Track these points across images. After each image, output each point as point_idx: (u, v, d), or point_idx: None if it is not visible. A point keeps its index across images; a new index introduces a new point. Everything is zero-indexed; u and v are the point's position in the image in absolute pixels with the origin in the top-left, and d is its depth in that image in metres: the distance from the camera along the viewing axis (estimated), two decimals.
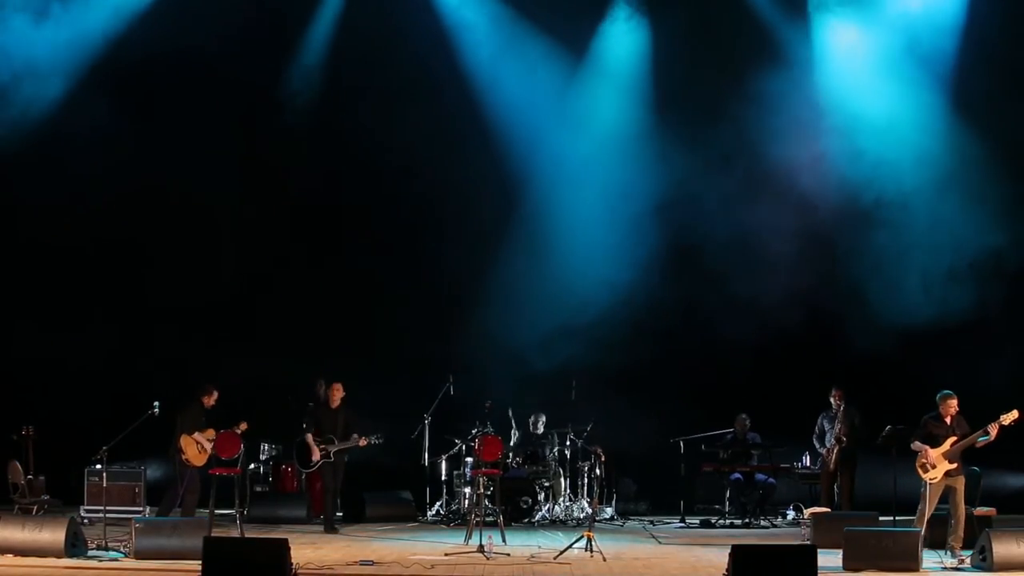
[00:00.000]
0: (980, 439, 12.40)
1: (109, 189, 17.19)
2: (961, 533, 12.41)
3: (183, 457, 14.10)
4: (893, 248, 17.25)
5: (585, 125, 18.04)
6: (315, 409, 15.41)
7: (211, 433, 14.18)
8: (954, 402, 12.64)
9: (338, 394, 15.11)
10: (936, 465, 12.49)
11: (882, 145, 17.31)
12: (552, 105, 17.92)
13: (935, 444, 12.55)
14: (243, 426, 14.23)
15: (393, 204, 17.74)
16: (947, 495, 12.57)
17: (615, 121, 18.03)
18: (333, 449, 14.93)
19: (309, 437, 14.99)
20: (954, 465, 12.49)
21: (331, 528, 14.74)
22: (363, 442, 15.08)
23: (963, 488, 12.58)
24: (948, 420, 12.62)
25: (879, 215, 17.38)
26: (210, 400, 14.39)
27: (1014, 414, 12.20)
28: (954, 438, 12.50)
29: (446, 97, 17.74)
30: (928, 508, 12.43)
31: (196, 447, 14.13)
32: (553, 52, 17.95)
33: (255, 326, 17.51)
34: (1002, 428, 12.26)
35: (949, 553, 12.26)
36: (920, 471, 12.59)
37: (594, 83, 18.19)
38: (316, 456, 14.94)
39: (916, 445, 12.64)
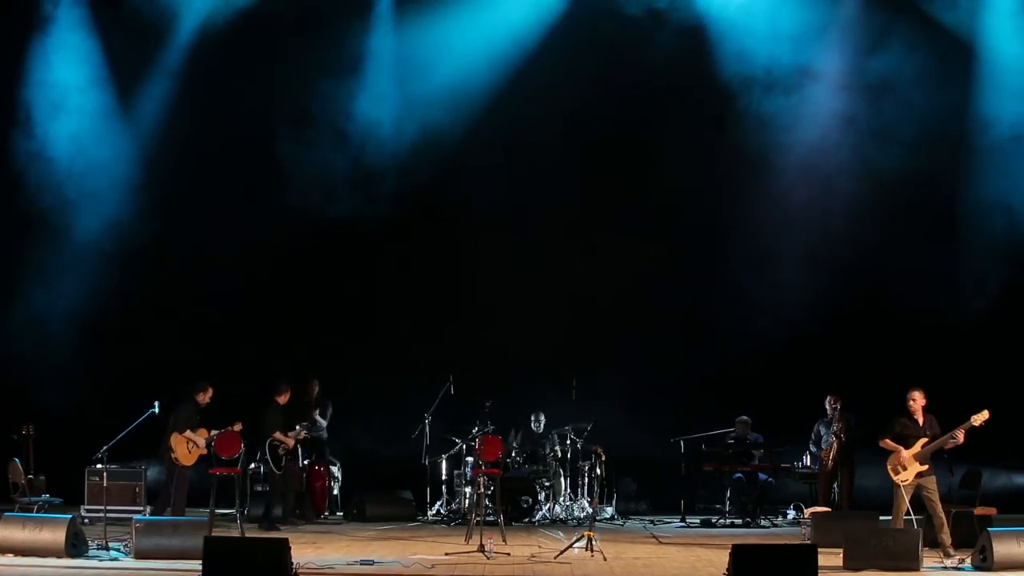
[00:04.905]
0: (950, 441, 12.20)
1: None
2: (946, 535, 12.19)
3: (172, 456, 14.03)
4: (902, 249, 17.28)
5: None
6: (271, 411, 15.34)
7: (204, 432, 14.12)
8: (918, 394, 12.46)
9: (283, 398, 15.37)
10: (908, 467, 12.33)
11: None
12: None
13: (907, 445, 12.37)
14: (238, 426, 14.13)
15: (395, 202, 17.74)
16: (921, 497, 12.35)
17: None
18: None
19: (278, 434, 15.12)
20: (925, 467, 12.32)
21: (272, 526, 14.76)
22: (290, 442, 15.31)
23: (935, 487, 12.36)
24: (920, 420, 12.44)
25: (888, 214, 17.42)
26: (205, 397, 14.31)
27: (984, 414, 11.98)
28: (925, 439, 12.32)
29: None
30: (902, 509, 12.26)
31: (186, 446, 14.04)
32: None
33: (255, 325, 17.48)
34: (973, 428, 12.05)
35: (943, 553, 12.09)
36: (891, 473, 12.41)
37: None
38: (291, 444, 15.18)
39: (888, 444, 12.47)
